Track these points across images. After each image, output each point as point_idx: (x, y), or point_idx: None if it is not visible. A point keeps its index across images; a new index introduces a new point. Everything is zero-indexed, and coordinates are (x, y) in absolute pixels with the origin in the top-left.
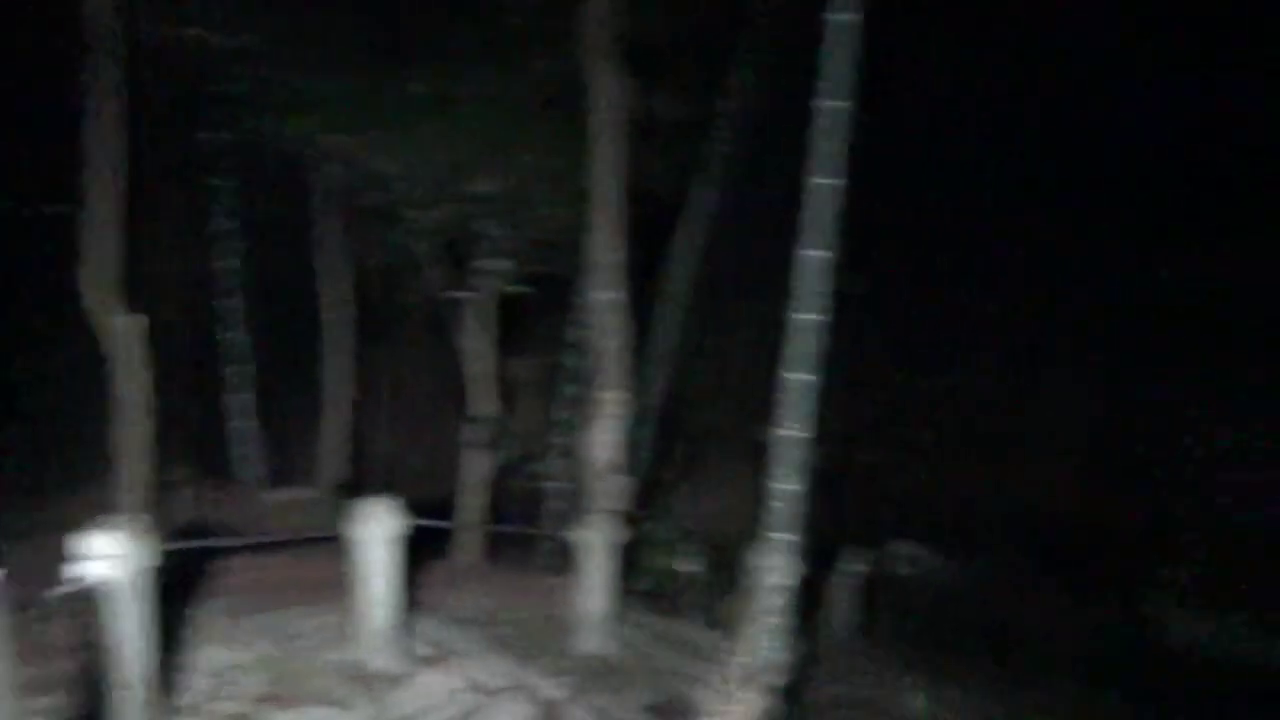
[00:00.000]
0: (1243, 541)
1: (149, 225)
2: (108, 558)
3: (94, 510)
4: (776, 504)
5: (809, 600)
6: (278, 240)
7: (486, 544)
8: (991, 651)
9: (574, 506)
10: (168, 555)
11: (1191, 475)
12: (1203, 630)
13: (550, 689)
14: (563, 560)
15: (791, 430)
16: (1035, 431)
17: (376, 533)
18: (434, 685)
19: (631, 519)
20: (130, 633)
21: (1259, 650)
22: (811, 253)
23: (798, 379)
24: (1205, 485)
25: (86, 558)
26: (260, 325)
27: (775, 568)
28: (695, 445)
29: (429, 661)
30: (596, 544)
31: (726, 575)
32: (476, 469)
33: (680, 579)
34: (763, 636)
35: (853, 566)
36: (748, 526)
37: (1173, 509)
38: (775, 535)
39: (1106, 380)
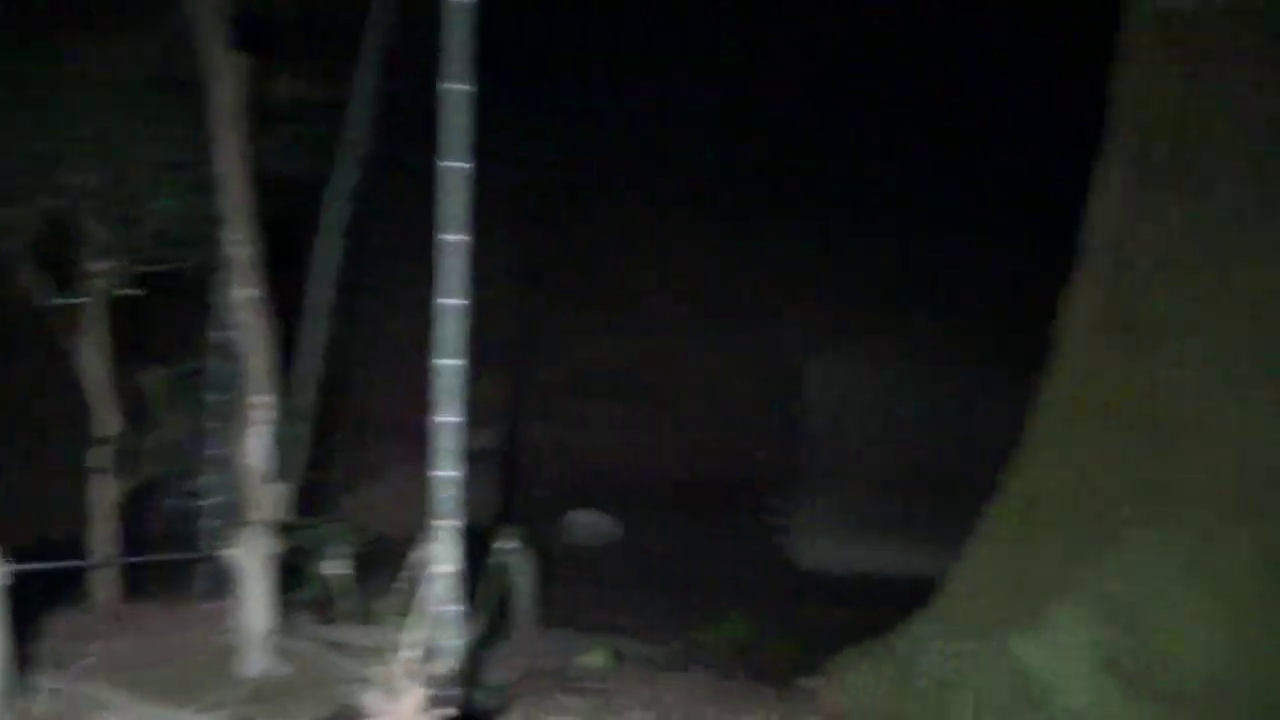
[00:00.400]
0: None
1: None
2: None
3: None
4: (439, 491)
5: (486, 583)
6: None
7: (128, 579)
8: (667, 599)
9: (229, 523)
10: None
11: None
12: (835, 553)
13: None
14: (220, 583)
15: (448, 416)
16: (683, 394)
17: None
18: None
19: (288, 527)
20: None
21: (883, 564)
22: (450, 237)
23: (448, 364)
24: (825, 432)
25: None
26: None
27: (441, 556)
28: (356, 440)
29: None
30: (252, 559)
31: (392, 570)
32: (105, 496)
33: (335, 582)
34: (429, 627)
35: (511, 544)
36: (415, 518)
37: (803, 453)
38: (440, 523)
39: (738, 343)
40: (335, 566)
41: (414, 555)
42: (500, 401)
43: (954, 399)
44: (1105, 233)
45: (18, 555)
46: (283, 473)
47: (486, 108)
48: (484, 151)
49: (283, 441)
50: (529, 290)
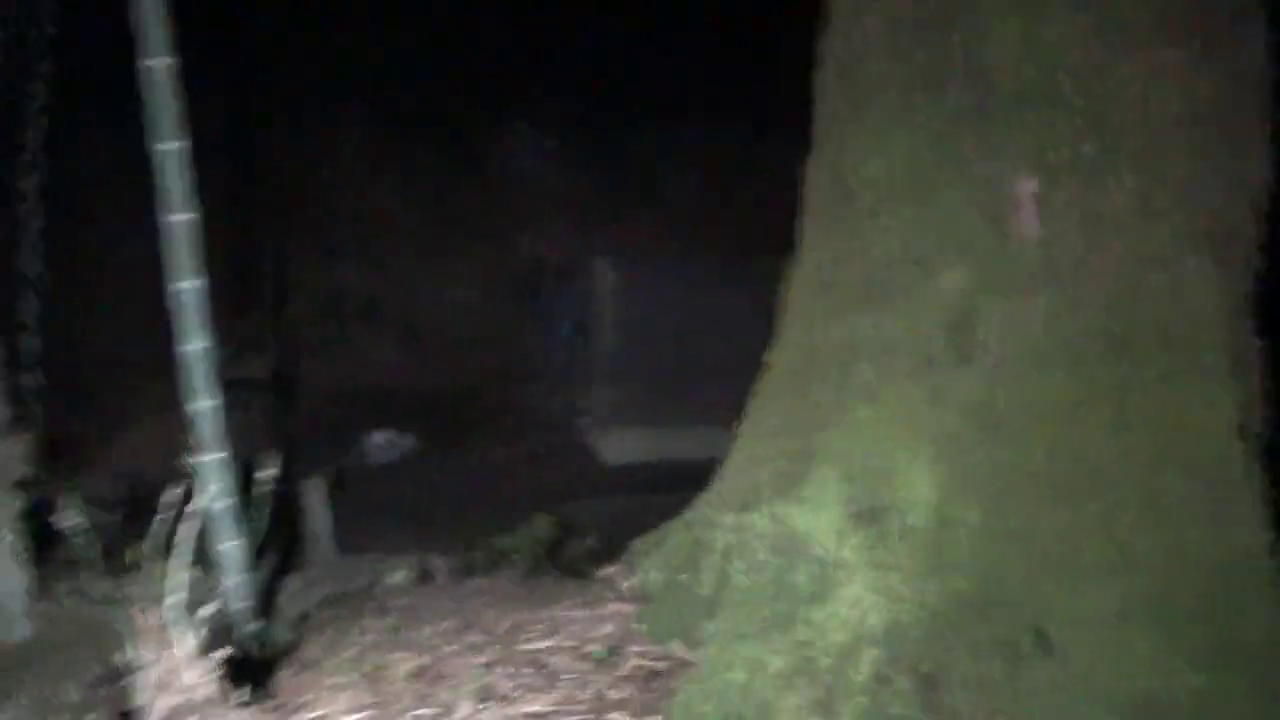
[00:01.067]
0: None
1: None
2: None
3: None
4: (197, 424)
5: (260, 516)
6: None
7: None
8: (470, 510)
9: None
10: None
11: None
12: (634, 445)
13: None
14: None
15: (194, 343)
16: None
17: None
18: None
19: (32, 482)
20: None
21: (684, 451)
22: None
23: (186, 286)
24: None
25: None
26: None
27: (208, 491)
28: (101, 385)
29: None
30: None
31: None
32: None
33: (85, 537)
34: (191, 569)
35: (269, 473)
36: (173, 458)
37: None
38: (202, 457)
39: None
40: (72, 517)
41: (167, 495)
42: (257, 331)
43: (729, 286)
44: (826, 109)
45: None
46: (17, 424)
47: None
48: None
49: (14, 389)
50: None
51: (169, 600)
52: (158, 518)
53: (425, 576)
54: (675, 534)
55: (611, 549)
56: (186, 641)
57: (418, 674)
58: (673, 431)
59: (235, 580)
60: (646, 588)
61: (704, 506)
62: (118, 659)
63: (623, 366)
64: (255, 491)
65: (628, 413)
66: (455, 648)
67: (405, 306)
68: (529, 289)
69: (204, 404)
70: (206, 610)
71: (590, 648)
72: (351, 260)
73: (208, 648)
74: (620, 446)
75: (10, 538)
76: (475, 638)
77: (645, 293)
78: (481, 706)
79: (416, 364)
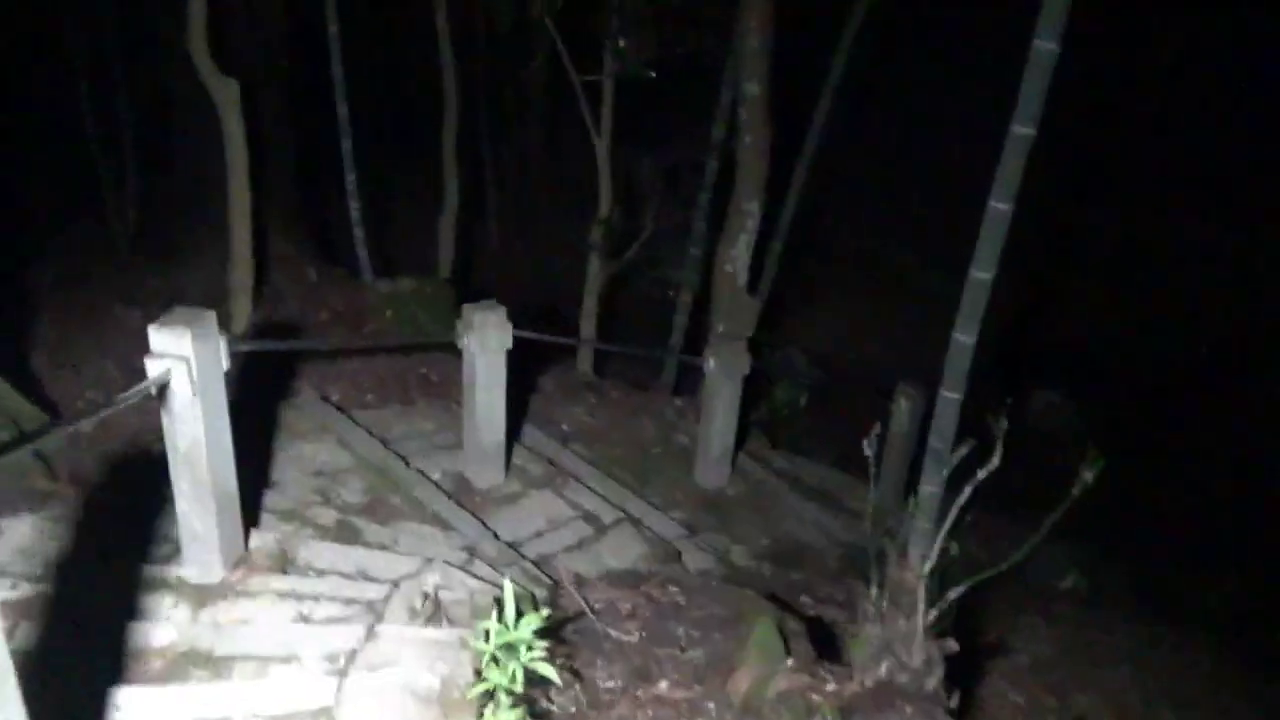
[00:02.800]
0: None
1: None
2: (172, 357)
3: (206, 281)
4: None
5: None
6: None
7: (601, 357)
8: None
9: (698, 326)
10: (252, 353)
11: None
12: None
13: (663, 524)
14: (679, 382)
15: (981, 273)
16: None
17: (486, 342)
18: (542, 508)
19: (755, 346)
20: (197, 438)
21: None
22: None
23: (997, 208)
24: None
25: (156, 354)
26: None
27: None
28: (820, 265)
29: (536, 482)
30: (720, 371)
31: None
32: (595, 274)
33: (788, 410)
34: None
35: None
36: (865, 355)
37: None
38: (946, 394)
39: None
40: (790, 393)
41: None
42: None
43: None
44: None
45: (518, 320)
46: (753, 287)
47: None
48: None
49: (759, 255)
50: None
51: (921, 525)
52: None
53: None
54: None
55: None
56: (919, 619)
57: None
58: None
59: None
60: None
61: None
62: (794, 540)
63: None
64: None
65: None
66: None
67: None
68: None
69: (965, 338)
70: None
71: None
72: None
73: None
74: None
75: (735, 390)
76: None
77: None
78: None
79: None
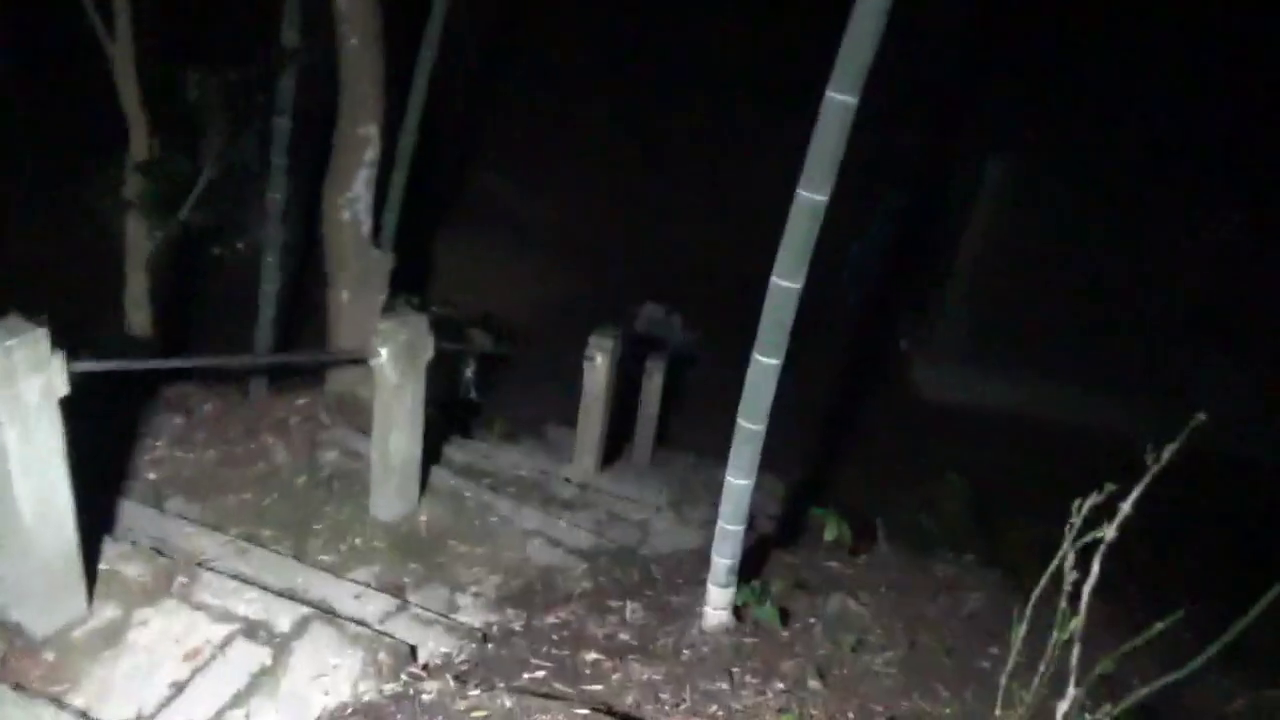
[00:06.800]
0: None
1: None
2: None
3: None
4: None
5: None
6: None
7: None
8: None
9: (297, 297)
10: None
11: None
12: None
13: (365, 603)
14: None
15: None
16: None
17: (24, 400)
18: (168, 641)
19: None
20: None
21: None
22: None
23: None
24: None
25: None
26: None
27: None
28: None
29: (147, 594)
30: (398, 364)
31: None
32: (141, 245)
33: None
34: None
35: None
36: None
37: None
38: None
39: None
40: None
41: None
42: None
43: None
44: None
45: None
46: (380, 238)
47: None
48: None
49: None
50: None
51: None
52: None
53: None
54: None
55: None
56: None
57: None
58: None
59: None
60: None
61: None
62: None
63: None
64: None
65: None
66: None
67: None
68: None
69: None
70: None
71: None
72: None
73: None
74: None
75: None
76: None
77: None
78: None
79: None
